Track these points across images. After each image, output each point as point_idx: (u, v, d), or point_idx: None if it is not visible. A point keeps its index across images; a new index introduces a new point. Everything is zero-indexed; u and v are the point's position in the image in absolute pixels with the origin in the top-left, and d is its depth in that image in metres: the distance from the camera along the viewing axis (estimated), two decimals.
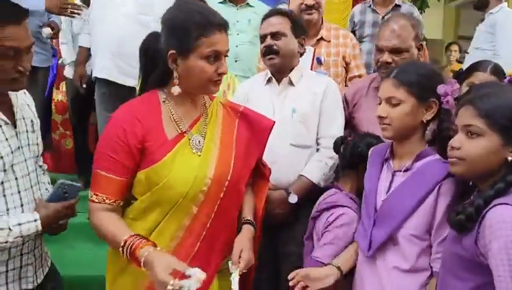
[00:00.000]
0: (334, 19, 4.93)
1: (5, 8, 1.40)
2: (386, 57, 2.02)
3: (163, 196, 1.44)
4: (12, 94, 1.57)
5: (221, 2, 3.09)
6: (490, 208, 1.22)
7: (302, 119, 2.07)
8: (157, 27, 1.51)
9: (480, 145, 1.26)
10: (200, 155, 1.48)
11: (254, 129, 1.63)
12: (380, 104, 1.57)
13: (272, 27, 2.07)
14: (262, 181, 1.75)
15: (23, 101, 1.63)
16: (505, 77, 2.07)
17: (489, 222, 1.20)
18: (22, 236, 1.46)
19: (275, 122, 1.70)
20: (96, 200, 1.43)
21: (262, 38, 2.11)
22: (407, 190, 1.49)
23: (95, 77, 3.02)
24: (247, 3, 3.13)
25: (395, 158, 1.60)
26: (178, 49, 1.41)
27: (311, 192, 2.02)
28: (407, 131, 1.53)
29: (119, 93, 2.85)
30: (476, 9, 4.19)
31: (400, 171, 1.53)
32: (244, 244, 1.51)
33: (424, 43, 3.25)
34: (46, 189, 1.73)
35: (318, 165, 2.08)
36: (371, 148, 1.72)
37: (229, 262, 1.50)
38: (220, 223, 1.50)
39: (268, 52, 2.08)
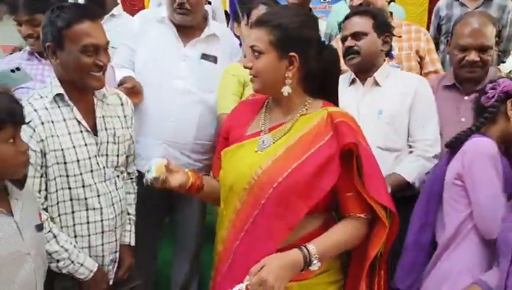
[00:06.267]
0: (410, 12, 4.78)
1: (80, 7, 1.65)
2: (474, 55, 1.96)
3: (221, 182, 1.53)
4: (98, 105, 1.70)
5: None
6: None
7: (389, 121, 1.98)
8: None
9: None
10: (259, 155, 1.45)
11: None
12: None
13: (352, 27, 2.03)
14: (380, 226, 1.41)
15: (114, 112, 1.77)
16: None
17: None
18: (69, 272, 1.62)
19: (355, 143, 1.39)
20: None
21: (343, 39, 2.06)
22: None
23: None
24: None
25: None
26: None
27: (404, 191, 1.91)
28: None
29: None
30: None
31: None
32: (270, 263, 1.26)
33: None
34: (128, 192, 1.88)
35: (414, 165, 1.96)
36: None
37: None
38: (259, 231, 1.39)
39: (348, 52, 2.03)
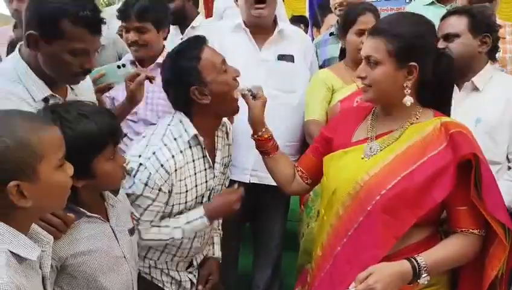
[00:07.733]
0: (502, 10, 4.47)
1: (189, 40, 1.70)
2: None
3: (323, 186, 1.53)
4: (219, 135, 1.75)
5: (428, 4, 2.95)
6: None
7: (488, 130, 1.84)
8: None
9: None
10: (366, 161, 1.42)
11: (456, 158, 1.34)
12: None
13: (445, 28, 1.92)
14: (498, 246, 1.31)
15: (224, 141, 1.79)
16: None
17: None
18: (195, 231, 1.68)
19: (474, 154, 1.32)
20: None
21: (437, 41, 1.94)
22: None
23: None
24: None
25: None
26: None
27: None
28: None
29: None
30: None
31: None
32: (379, 272, 1.25)
33: None
34: None
35: (507, 185, 1.78)
36: None
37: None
38: (365, 237, 1.36)
39: None
